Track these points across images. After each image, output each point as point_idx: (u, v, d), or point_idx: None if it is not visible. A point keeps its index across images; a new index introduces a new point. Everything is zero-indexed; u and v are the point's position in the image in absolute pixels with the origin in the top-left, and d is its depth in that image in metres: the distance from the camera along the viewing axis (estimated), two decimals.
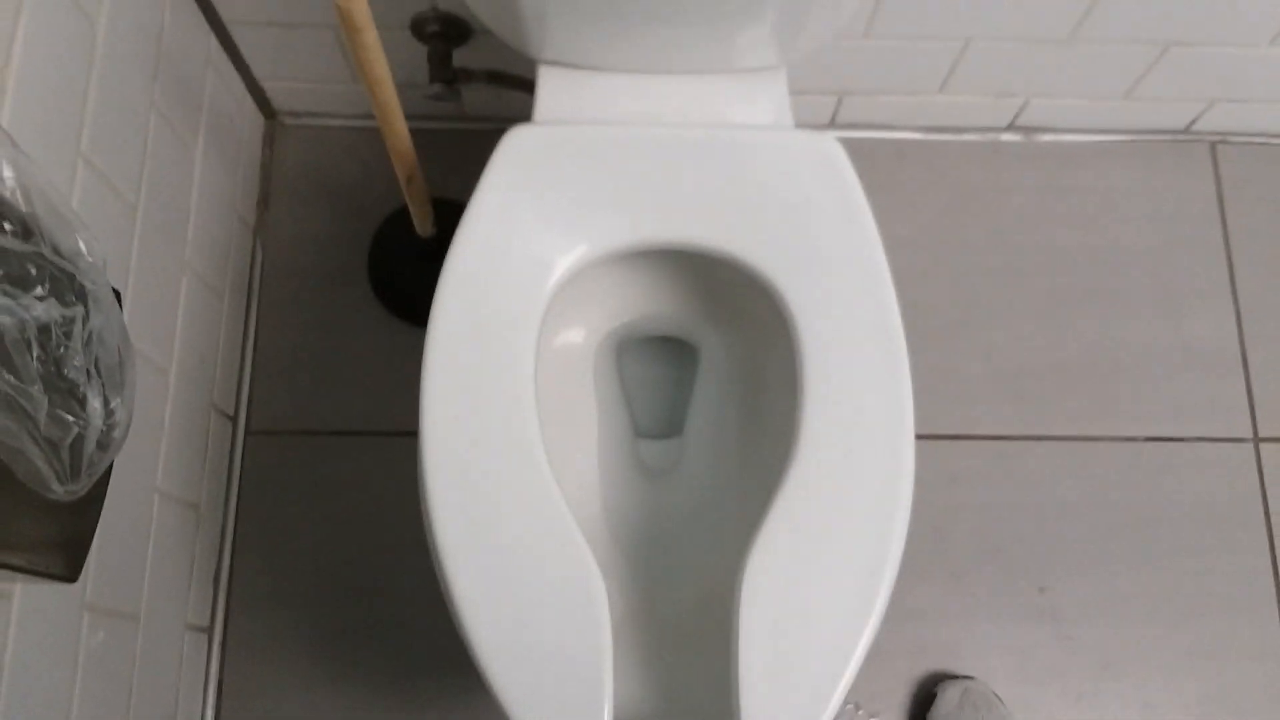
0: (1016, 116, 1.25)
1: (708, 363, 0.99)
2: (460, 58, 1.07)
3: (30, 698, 0.75)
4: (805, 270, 0.79)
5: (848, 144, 1.25)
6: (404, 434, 1.15)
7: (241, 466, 1.16)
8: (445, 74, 1.05)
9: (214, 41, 1.09)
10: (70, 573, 0.65)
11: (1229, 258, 1.26)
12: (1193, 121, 1.26)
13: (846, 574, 0.73)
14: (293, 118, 1.26)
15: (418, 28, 1.06)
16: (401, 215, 1.18)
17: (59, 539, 0.63)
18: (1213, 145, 1.29)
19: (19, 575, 0.62)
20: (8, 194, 0.50)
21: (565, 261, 0.79)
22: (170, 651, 1.01)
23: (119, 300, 0.66)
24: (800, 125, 1.21)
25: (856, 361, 0.78)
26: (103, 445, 0.54)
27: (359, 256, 1.22)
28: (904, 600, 1.11)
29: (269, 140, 1.26)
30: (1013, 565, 1.15)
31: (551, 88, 0.85)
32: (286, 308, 1.21)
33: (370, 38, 0.73)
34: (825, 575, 0.73)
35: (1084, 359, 1.21)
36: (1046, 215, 1.26)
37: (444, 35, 1.06)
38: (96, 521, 0.66)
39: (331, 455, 1.16)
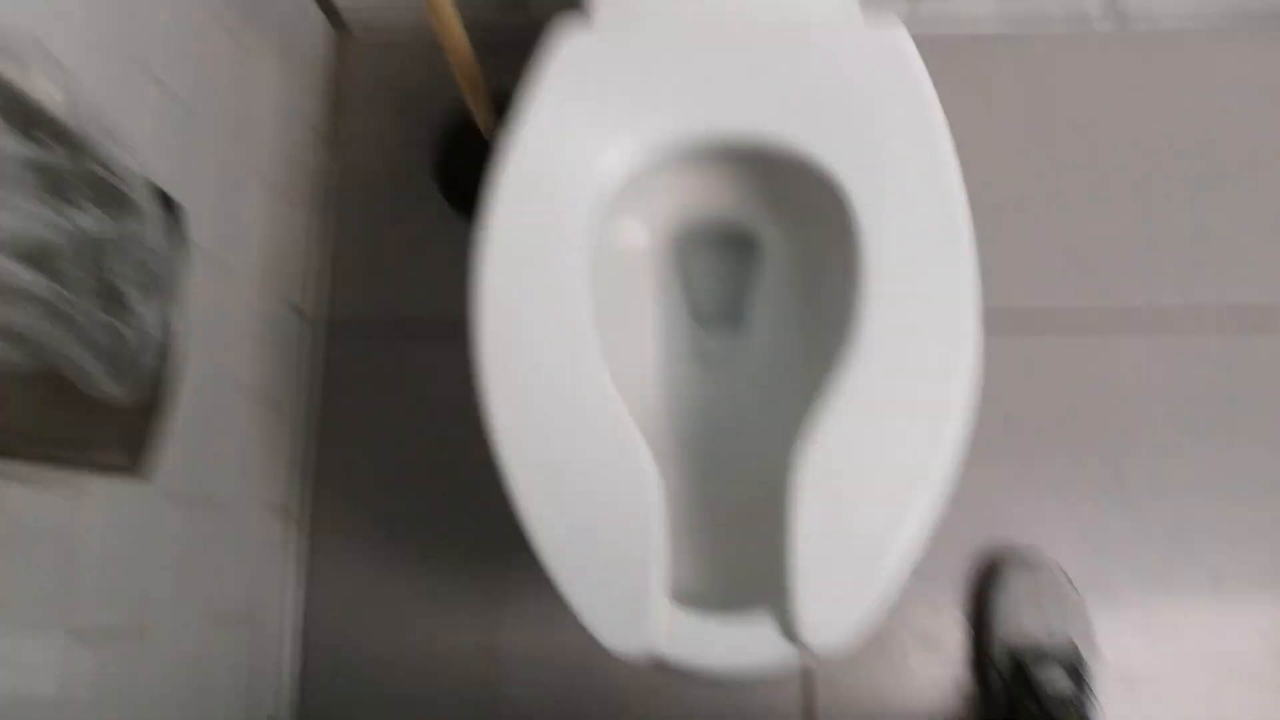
0: (1110, 4, 1.19)
1: (770, 255, 0.98)
2: None
3: (109, 584, 0.80)
4: (869, 164, 0.78)
5: (927, 39, 1.22)
6: None
7: (325, 361, 1.21)
8: None
9: None
10: (136, 469, 0.70)
11: None
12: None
13: (903, 454, 0.72)
14: (363, 30, 1.28)
15: None
16: (468, 119, 1.20)
17: (122, 439, 0.67)
18: None
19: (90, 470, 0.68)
20: (53, 110, 0.53)
21: (622, 160, 0.79)
22: (255, 536, 1.07)
23: (177, 209, 0.70)
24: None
25: (919, 253, 0.76)
26: (157, 350, 0.58)
27: (427, 160, 1.25)
28: (969, 482, 1.12)
29: (340, 53, 1.29)
30: (1085, 446, 1.13)
31: None
32: (360, 210, 1.25)
33: None
34: (881, 456, 0.73)
35: (1172, 246, 1.17)
36: (1139, 106, 1.20)
37: None
38: (164, 420, 0.70)
39: (408, 347, 1.21)
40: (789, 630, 0.71)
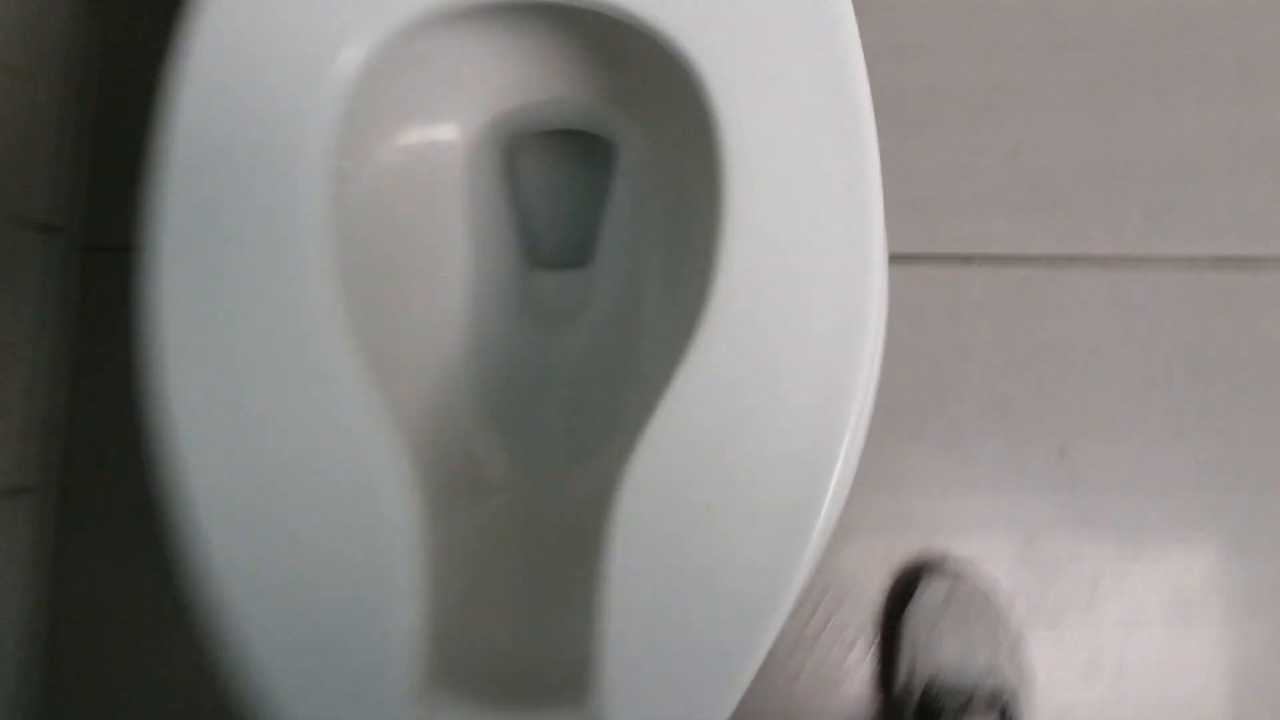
0: None
1: (626, 167, 0.74)
2: None
3: None
4: (730, 25, 0.53)
5: None
6: None
7: (77, 290, 0.94)
8: None
9: None
10: None
11: None
12: None
13: (779, 466, 0.50)
14: None
15: None
16: None
17: None
18: None
19: None
20: None
21: (372, 26, 0.53)
22: None
23: None
24: None
25: (799, 155, 0.53)
26: None
27: None
28: (886, 462, 0.90)
29: None
30: (1028, 421, 0.91)
31: None
32: (132, 85, 0.96)
33: None
34: (746, 473, 0.50)
35: (1136, 156, 0.94)
36: None
37: None
38: None
39: None
40: None
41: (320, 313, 0.51)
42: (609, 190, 0.75)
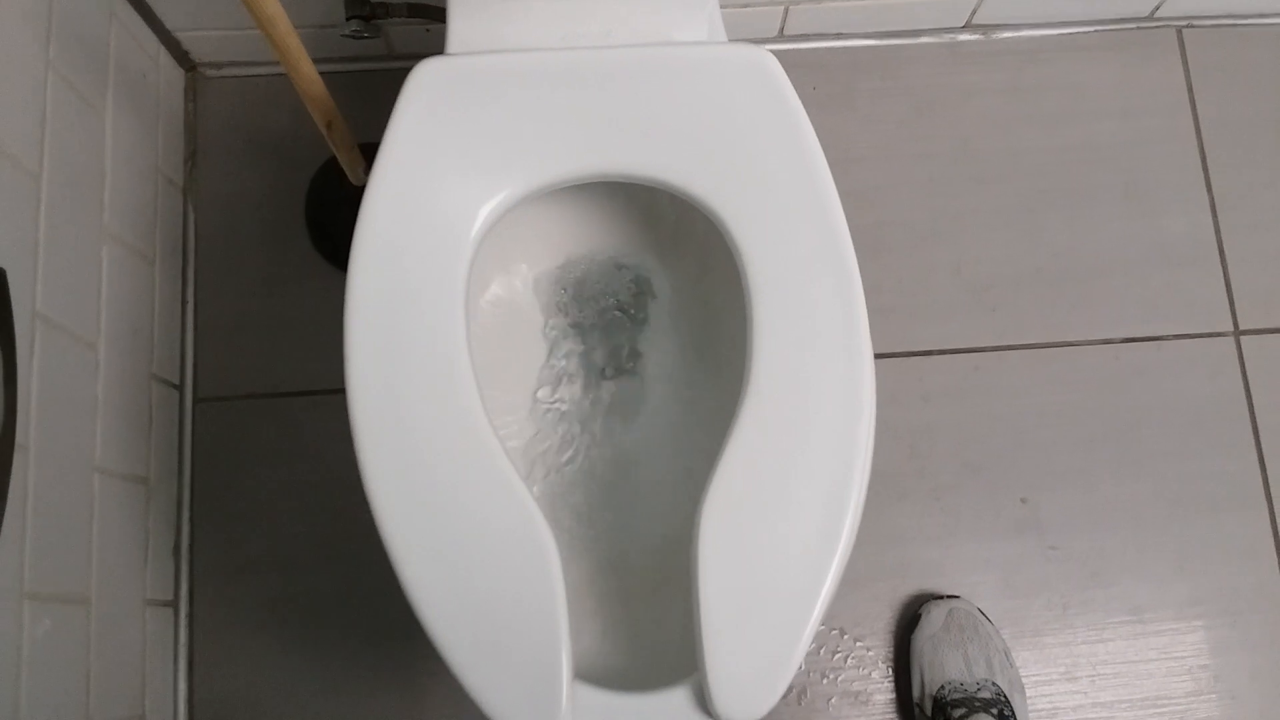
0: (972, 14, 1.19)
1: (661, 295, 0.95)
2: None
3: None
4: (745, 189, 0.74)
5: (799, 55, 1.21)
6: None
7: (192, 435, 1.12)
8: (361, 9, 0.99)
9: None
10: None
11: (1201, 149, 1.21)
12: (1157, 7, 1.20)
13: (809, 506, 0.69)
14: (214, 69, 1.20)
15: None
16: (336, 163, 1.13)
17: None
18: (1179, 30, 1.23)
19: None
20: None
21: (488, 205, 0.74)
22: (131, 630, 0.98)
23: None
24: (748, 39, 1.17)
25: (805, 282, 0.73)
26: None
27: (296, 209, 1.17)
28: (883, 522, 1.09)
29: (190, 94, 1.20)
30: (993, 479, 1.12)
31: (463, 15, 0.80)
32: (225, 268, 1.16)
33: None
34: (786, 509, 0.69)
35: (1056, 264, 1.17)
36: (1011, 117, 1.20)
37: None
38: (6, 485, 0.62)
39: (285, 416, 1.12)
40: (705, 707, 0.66)
41: (476, 411, 0.70)
42: (647, 323, 0.95)
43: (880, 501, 1.10)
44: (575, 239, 0.90)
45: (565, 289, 0.93)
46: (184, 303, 1.14)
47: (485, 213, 0.73)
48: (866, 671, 1.07)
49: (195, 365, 1.14)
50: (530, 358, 0.91)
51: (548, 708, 0.66)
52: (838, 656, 1.07)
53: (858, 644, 1.08)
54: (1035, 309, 1.16)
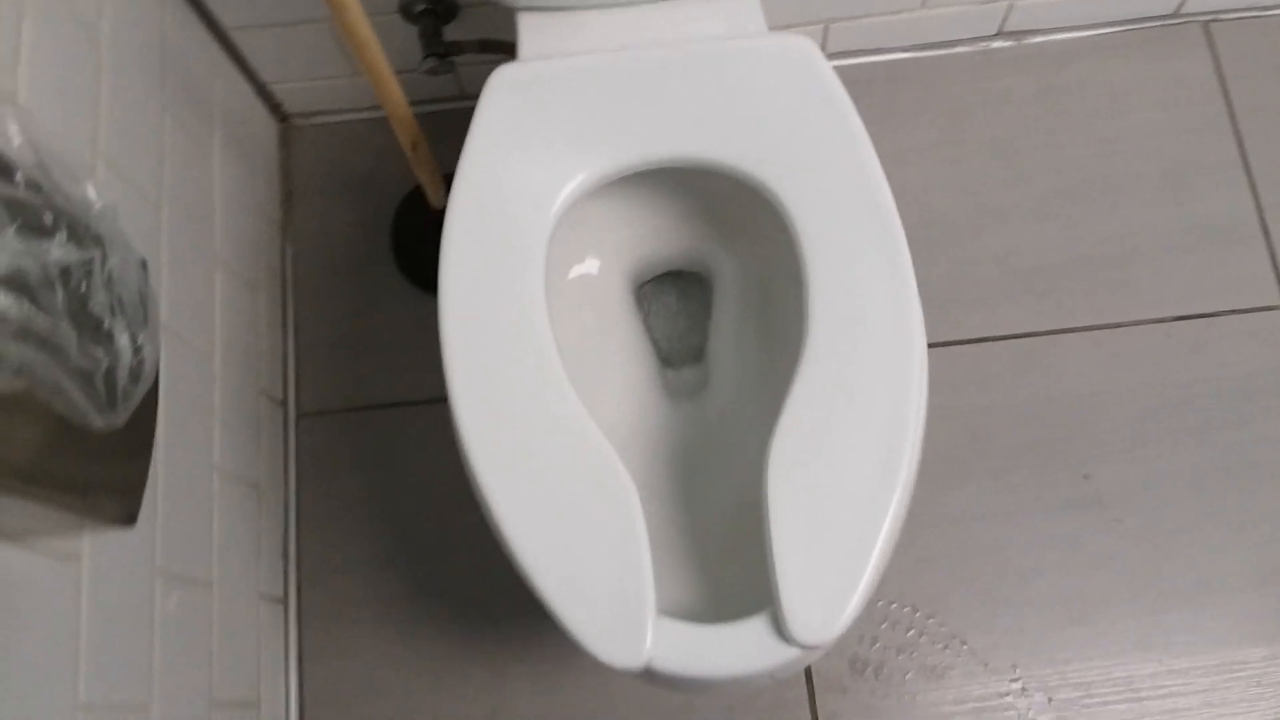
0: (1004, 21, 1.26)
1: (722, 288, 1.02)
2: (450, 33, 1.12)
3: (109, 659, 0.80)
4: (795, 170, 0.82)
5: (841, 72, 1.28)
6: (444, 400, 1.19)
7: (296, 447, 1.21)
8: (437, 48, 1.09)
9: (216, 48, 1.15)
10: (126, 517, 0.70)
11: (1237, 133, 1.25)
12: (1181, 4, 1.26)
13: (869, 444, 0.75)
14: (304, 118, 1.32)
15: (406, 10, 1.11)
16: (418, 194, 1.23)
17: (113, 484, 0.68)
18: (1205, 25, 1.29)
19: (81, 521, 0.68)
20: (15, 151, 0.55)
21: (562, 191, 0.82)
22: (248, 621, 1.06)
23: (146, 270, 0.72)
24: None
25: (856, 254, 0.80)
26: (134, 376, 0.59)
27: (382, 240, 1.27)
28: (947, 503, 1.14)
29: (285, 142, 1.32)
30: (1052, 458, 1.15)
31: (531, 32, 0.89)
32: (320, 294, 1.27)
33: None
34: (847, 449, 0.75)
35: (1100, 250, 1.22)
36: (1045, 116, 1.27)
37: (433, 13, 1.10)
38: (147, 468, 0.71)
39: (380, 428, 1.21)
40: (781, 631, 0.72)
41: (558, 377, 0.77)
42: (710, 311, 1.03)
43: (943, 484, 1.15)
44: (644, 231, 0.98)
45: (638, 287, 1.01)
46: (285, 326, 1.25)
47: (560, 198, 0.82)
48: (942, 645, 1.11)
49: (297, 383, 1.23)
50: (608, 345, 0.98)
51: (634, 635, 0.72)
52: (911, 633, 1.11)
53: (930, 620, 1.12)
54: (1083, 294, 1.20)
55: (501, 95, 0.83)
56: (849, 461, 0.75)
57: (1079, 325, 1.19)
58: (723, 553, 0.90)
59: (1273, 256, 1.21)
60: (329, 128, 1.33)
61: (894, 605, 1.12)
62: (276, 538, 1.16)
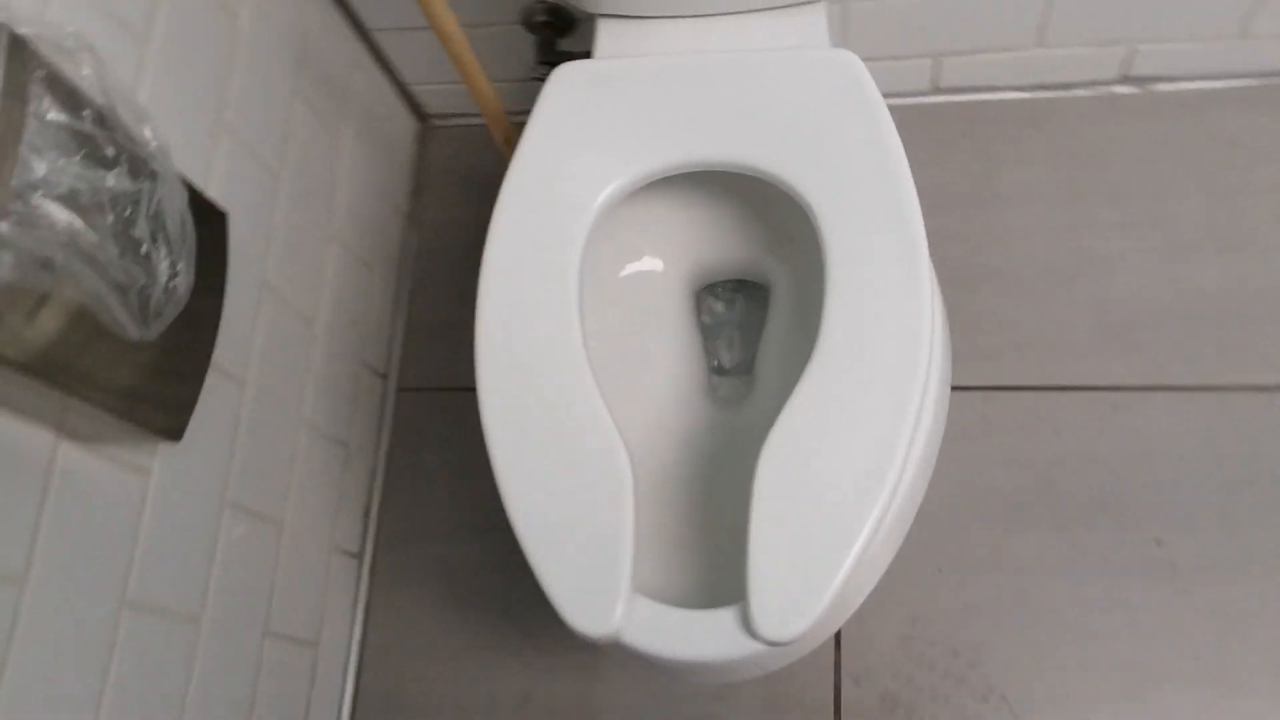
0: (1127, 66, 1.22)
1: (776, 299, 1.04)
2: (563, 45, 1.19)
3: (164, 568, 0.89)
4: (827, 178, 0.84)
5: (954, 108, 1.28)
6: None
7: (393, 418, 1.30)
8: (551, 57, 1.17)
9: (361, 47, 1.27)
10: (172, 431, 0.79)
11: None
12: None
13: (860, 452, 0.76)
14: (442, 119, 1.42)
15: (527, 19, 1.19)
16: None
17: (160, 399, 0.77)
18: None
19: (134, 430, 0.77)
20: (87, 89, 0.64)
21: (605, 188, 0.87)
22: (318, 568, 1.15)
23: (216, 212, 0.81)
24: (900, 93, 1.26)
25: (876, 266, 0.81)
26: (168, 296, 0.67)
27: None
28: (1005, 551, 1.11)
29: (421, 139, 1.43)
30: (1125, 518, 1.10)
31: (608, 38, 0.95)
32: (436, 282, 1.36)
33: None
34: (838, 454, 0.76)
35: (1206, 308, 1.16)
36: (1164, 164, 1.22)
37: (551, 24, 1.18)
38: (197, 393, 0.80)
39: (473, 410, 1.27)
40: (747, 624, 0.73)
41: (579, 362, 0.82)
42: (766, 321, 1.05)
43: (1005, 529, 1.12)
44: (700, 234, 1.01)
45: (700, 294, 1.05)
46: (396, 306, 1.35)
47: (603, 195, 0.87)
48: (980, 697, 1.07)
49: (402, 358, 1.33)
50: (661, 344, 1.02)
51: (605, 606, 0.75)
52: (949, 680, 1.09)
53: (971, 669, 1.08)
54: (1182, 351, 1.15)
55: (560, 91, 0.89)
56: (837, 468, 0.76)
57: (1173, 384, 1.14)
58: (730, 550, 0.91)
59: None
60: (465, 130, 1.42)
61: (935, 647, 1.09)
62: (360, 497, 1.25)
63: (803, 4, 0.92)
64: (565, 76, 0.90)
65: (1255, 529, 1.08)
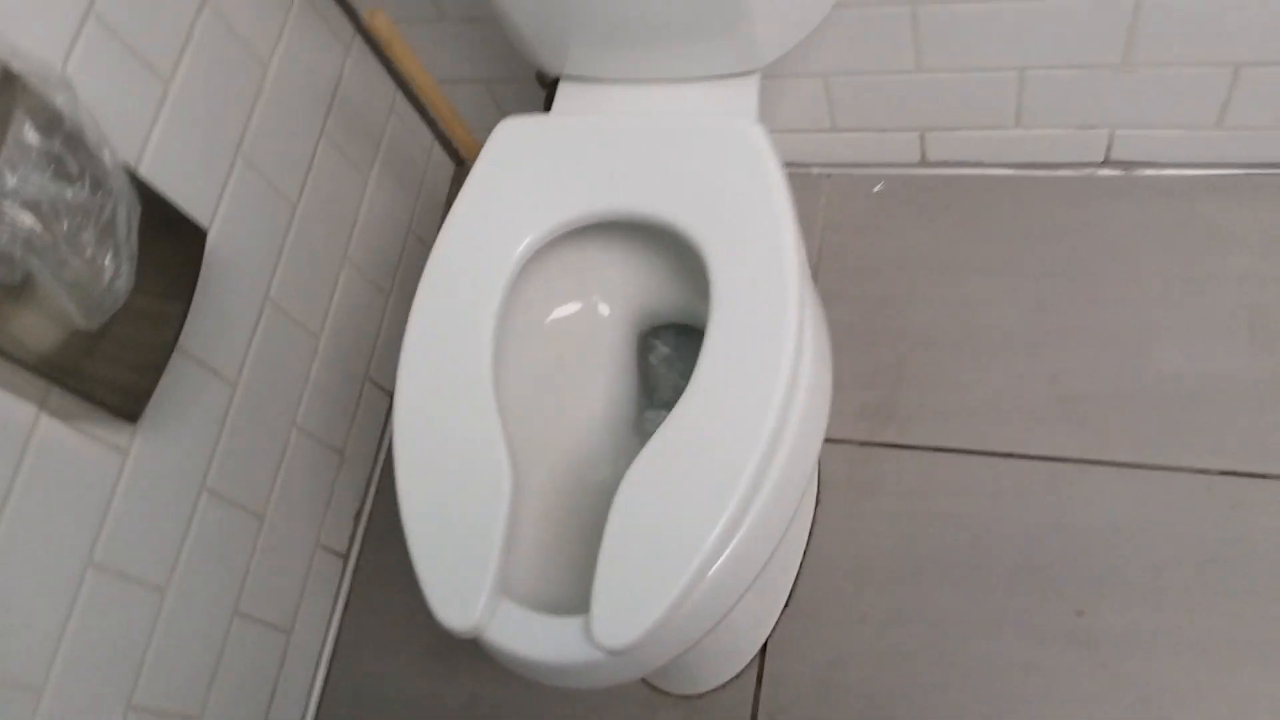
0: (1108, 150, 1.25)
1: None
2: None
3: (132, 539, 1.01)
4: (722, 231, 0.91)
5: (940, 180, 1.33)
6: None
7: (381, 429, 1.42)
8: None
9: (399, 94, 1.40)
10: (128, 414, 0.91)
11: None
12: None
13: (708, 482, 0.82)
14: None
15: (540, 77, 1.30)
16: None
17: (117, 384, 0.89)
18: None
19: (92, 409, 0.90)
20: (63, 115, 0.78)
21: (527, 234, 0.96)
22: (298, 560, 1.27)
23: (185, 222, 0.94)
24: (894, 163, 1.31)
25: (752, 309, 0.88)
26: (109, 292, 0.80)
27: None
28: (928, 604, 1.14)
29: (457, 181, 1.56)
30: (1051, 585, 1.12)
31: (565, 97, 1.05)
32: None
33: (397, 47, 0.98)
34: (688, 484, 0.82)
35: (1160, 388, 1.17)
36: (1138, 246, 1.24)
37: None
38: (155, 382, 0.92)
39: None
40: (588, 633, 0.80)
41: (485, 388, 0.90)
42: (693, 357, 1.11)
43: (932, 583, 1.15)
44: (640, 285, 1.09)
45: (639, 327, 1.12)
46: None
47: (524, 244, 0.95)
48: None
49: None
50: (592, 381, 1.10)
51: (468, 603, 0.83)
52: None
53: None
54: (1129, 429, 1.16)
55: (499, 145, 0.99)
56: (684, 494, 0.82)
57: (1114, 460, 1.15)
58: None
59: None
60: None
61: (851, 694, 1.13)
62: (353, 501, 1.36)
63: (736, 76, 1.00)
64: (505, 131, 1.00)
65: (1179, 609, 1.08)
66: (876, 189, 1.36)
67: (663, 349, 1.16)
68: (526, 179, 0.97)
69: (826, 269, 1.35)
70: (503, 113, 1.39)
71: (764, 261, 0.88)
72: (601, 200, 0.95)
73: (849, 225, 1.36)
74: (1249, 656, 1.05)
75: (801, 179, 1.37)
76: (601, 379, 1.10)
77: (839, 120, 1.30)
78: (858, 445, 1.24)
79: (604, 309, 1.10)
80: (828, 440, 1.19)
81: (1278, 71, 1.09)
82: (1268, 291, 1.18)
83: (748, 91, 1.01)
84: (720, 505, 0.81)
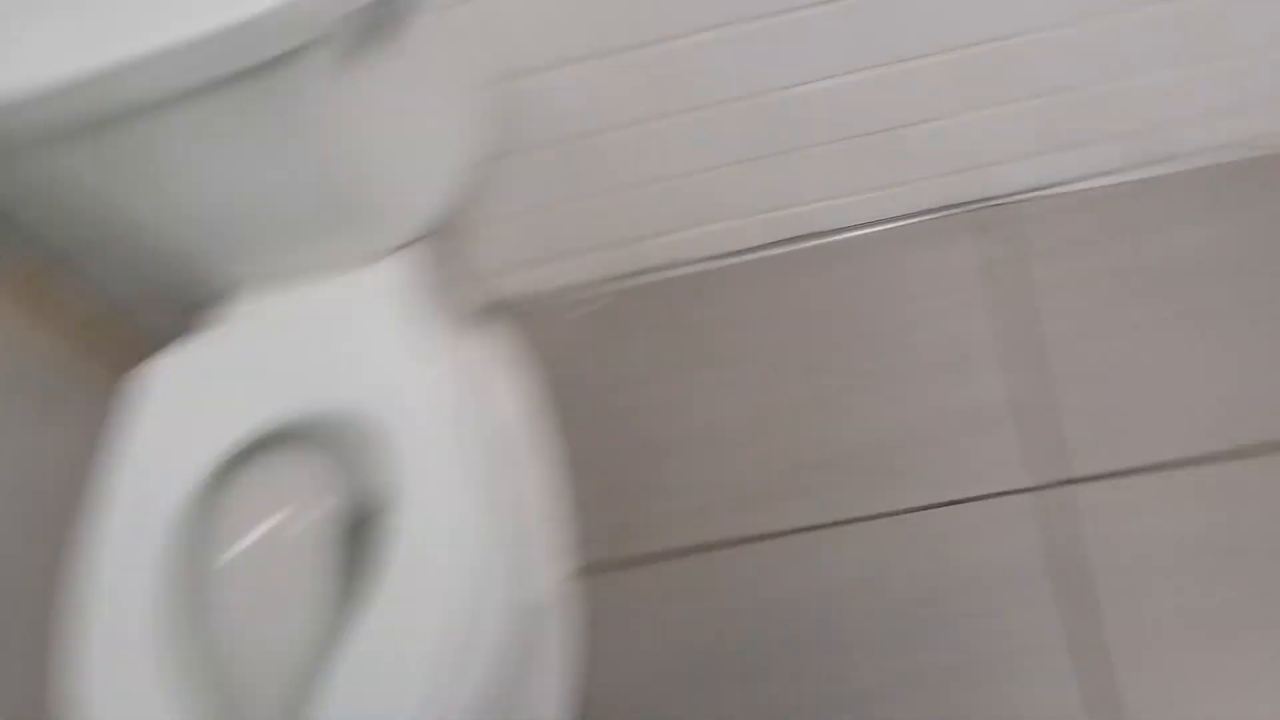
0: (773, 231, 1.35)
1: None
2: None
3: None
4: (387, 421, 0.94)
5: (655, 286, 1.41)
6: None
7: None
8: None
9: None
10: None
11: (995, 319, 1.28)
12: (950, 195, 1.31)
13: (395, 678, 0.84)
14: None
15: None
16: None
17: None
18: (976, 213, 1.34)
19: None
20: None
21: (190, 475, 0.96)
22: None
23: None
24: (605, 278, 1.42)
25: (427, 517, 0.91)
26: None
27: None
28: (725, 703, 1.16)
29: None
30: (808, 658, 1.15)
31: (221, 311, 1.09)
32: None
33: None
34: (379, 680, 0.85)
35: (860, 443, 1.25)
36: (824, 312, 1.33)
37: None
38: None
39: None
40: None
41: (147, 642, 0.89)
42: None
43: (724, 682, 1.16)
44: (340, 488, 1.11)
45: (348, 526, 1.14)
46: None
47: (190, 485, 0.96)
48: None
49: None
50: (304, 588, 1.10)
51: None
52: None
53: None
54: (846, 488, 1.22)
55: (143, 395, 1.01)
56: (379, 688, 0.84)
57: (838, 519, 1.21)
58: None
59: (1024, 442, 1.20)
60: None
61: None
62: None
63: (364, 261, 1.05)
64: (149, 376, 1.02)
65: (919, 646, 1.13)
66: (594, 307, 1.42)
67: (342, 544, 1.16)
68: (173, 421, 0.99)
69: (564, 395, 1.38)
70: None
71: (430, 439, 0.92)
72: (257, 418, 0.97)
73: (578, 347, 1.42)
74: (989, 673, 1.10)
75: (524, 312, 1.43)
76: (305, 584, 1.10)
77: (546, 249, 1.39)
78: (618, 568, 1.26)
79: (308, 514, 1.12)
80: (587, 569, 1.24)
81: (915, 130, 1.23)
82: (936, 331, 1.29)
83: (382, 276, 1.05)
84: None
